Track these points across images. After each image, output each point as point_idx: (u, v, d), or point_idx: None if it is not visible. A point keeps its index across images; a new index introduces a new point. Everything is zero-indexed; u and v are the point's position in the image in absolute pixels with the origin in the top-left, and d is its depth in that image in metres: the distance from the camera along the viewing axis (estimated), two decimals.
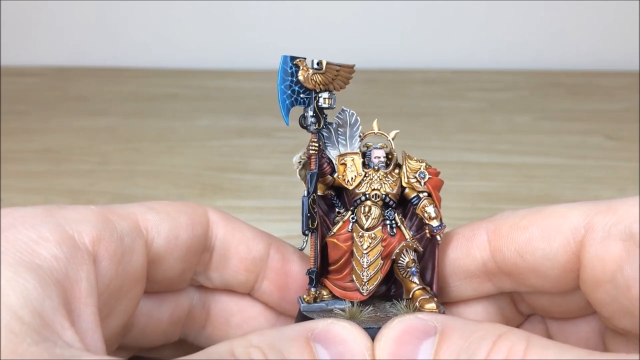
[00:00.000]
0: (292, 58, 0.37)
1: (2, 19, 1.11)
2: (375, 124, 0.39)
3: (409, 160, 0.39)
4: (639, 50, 1.07)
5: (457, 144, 0.83)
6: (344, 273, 0.38)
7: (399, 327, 0.31)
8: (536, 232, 0.35)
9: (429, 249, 0.39)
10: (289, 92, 0.37)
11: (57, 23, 1.12)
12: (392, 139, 0.39)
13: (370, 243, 0.38)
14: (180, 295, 0.40)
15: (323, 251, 0.38)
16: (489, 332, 0.29)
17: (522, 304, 0.39)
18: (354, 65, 0.37)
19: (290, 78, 0.37)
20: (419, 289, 0.37)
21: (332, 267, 0.39)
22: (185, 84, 1.05)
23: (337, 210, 0.40)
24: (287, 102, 0.37)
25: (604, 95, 1.00)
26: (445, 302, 0.39)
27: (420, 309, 0.36)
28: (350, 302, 0.38)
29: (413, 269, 0.38)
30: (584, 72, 1.09)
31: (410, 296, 0.37)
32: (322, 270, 0.39)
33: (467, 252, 0.38)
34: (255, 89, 1.03)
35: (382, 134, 0.39)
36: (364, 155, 0.39)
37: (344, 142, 0.39)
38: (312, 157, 0.37)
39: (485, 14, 1.10)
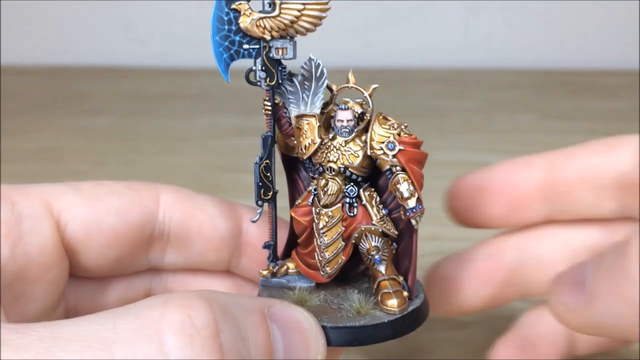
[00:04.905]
0: (228, 2, 0.31)
1: (2, 18, 1.10)
2: (350, 75, 0.33)
3: (379, 125, 0.32)
4: None
5: (459, 143, 0.83)
6: (309, 248, 0.33)
7: None
8: None
9: (408, 231, 0.32)
10: (227, 43, 0.32)
11: (57, 23, 1.12)
12: (370, 96, 0.32)
13: (327, 222, 0.32)
14: (131, 279, 0.37)
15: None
16: None
17: None
18: (327, 2, 0.30)
19: (227, 27, 0.31)
20: (384, 280, 0.32)
21: (299, 240, 0.34)
22: (185, 83, 1.05)
23: (311, 175, 0.34)
24: (224, 55, 0.32)
25: (606, 95, 1.00)
26: None
27: (380, 305, 0.32)
28: (315, 282, 0.33)
29: (375, 257, 0.32)
30: (586, 71, 1.08)
31: (376, 287, 0.32)
32: (291, 242, 0.35)
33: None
34: (254, 88, 1.01)
35: (357, 88, 0.32)
36: (330, 117, 0.32)
37: (306, 100, 0.32)
38: (266, 117, 0.32)
39: (487, 13, 1.10)
